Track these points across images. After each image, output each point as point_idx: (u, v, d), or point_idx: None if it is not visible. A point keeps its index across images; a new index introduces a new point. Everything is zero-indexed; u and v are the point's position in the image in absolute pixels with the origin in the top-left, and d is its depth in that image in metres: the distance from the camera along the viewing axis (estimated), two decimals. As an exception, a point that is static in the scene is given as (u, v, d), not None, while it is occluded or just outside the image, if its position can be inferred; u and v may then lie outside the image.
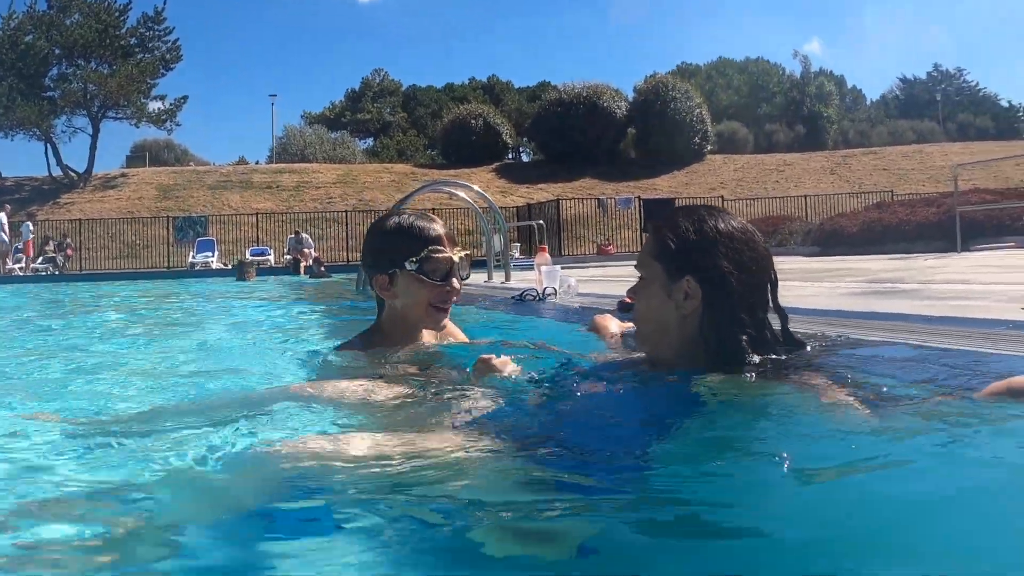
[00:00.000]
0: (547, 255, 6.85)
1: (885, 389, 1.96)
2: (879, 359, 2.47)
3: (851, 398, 1.85)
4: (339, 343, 3.10)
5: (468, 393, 2.30)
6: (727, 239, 2.17)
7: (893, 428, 1.67)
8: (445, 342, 3.04)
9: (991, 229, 17.71)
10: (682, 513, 1.47)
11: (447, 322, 2.97)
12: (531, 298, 5.78)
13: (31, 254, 31.90)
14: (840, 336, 2.81)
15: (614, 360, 2.65)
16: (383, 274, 2.81)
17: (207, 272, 29.06)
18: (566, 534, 1.40)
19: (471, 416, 2.05)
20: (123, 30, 49.47)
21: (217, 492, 1.63)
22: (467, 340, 3.20)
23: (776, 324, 2.26)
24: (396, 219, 2.88)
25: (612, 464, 1.70)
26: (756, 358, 2.13)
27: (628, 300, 3.77)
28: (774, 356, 2.16)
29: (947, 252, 14.68)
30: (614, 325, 3.23)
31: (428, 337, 2.99)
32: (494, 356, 2.43)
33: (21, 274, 29.22)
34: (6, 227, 29.79)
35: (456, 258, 2.84)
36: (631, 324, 3.01)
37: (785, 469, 1.54)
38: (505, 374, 2.40)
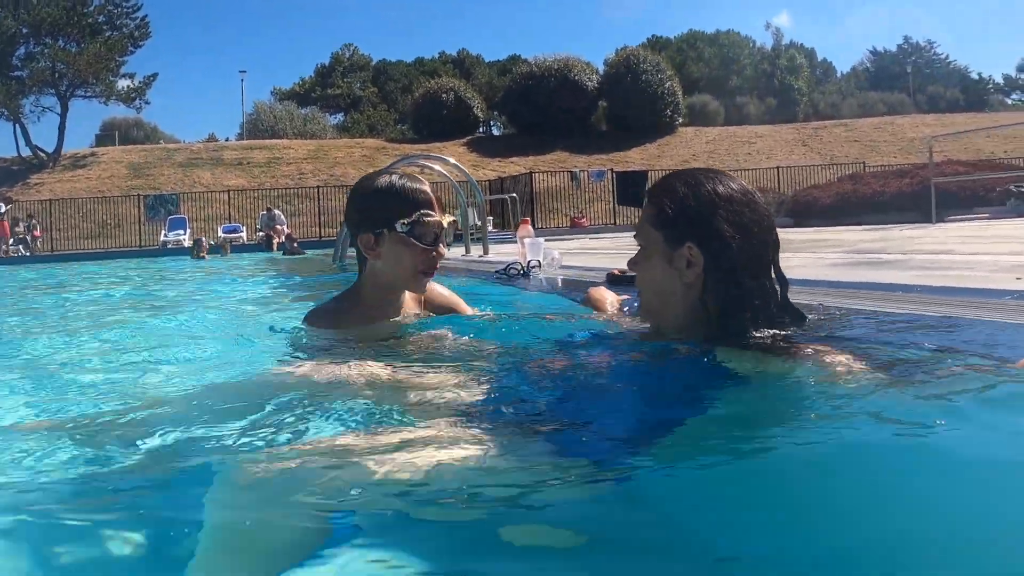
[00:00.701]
0: (530, 228, 6.78)
1: (909, 357, 1.90)
2: (889, 330, 2.43)
3: (874, 373, 1.79)
4: (309, 309, 3.01)
5: (463, 369, 2.23)
6: (727, 202, 2.11)
7: (926, 395, 1.60)
8: (425, 310, 2.98)
9: (964, 200, 17.91)
10: (689, 494, 1.41)
11: (431, 284, 2.92)
12: (516, 272, 5.72)
13: (8, 235, 31.40)
14: (842, 310, 2.77)
15: (618, 330, 2.58)
16: (370, 233, 2.74)
17: (179, 250, 28.70)
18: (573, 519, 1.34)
19: (466, 395, 1.98)
20: (91, 7, 48.93)
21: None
22: (468, 310, 3.15)
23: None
24: (387, 178, 2.80)
25: (615, 444, 1.64)
26: (761, 330, 2.07)
27: (617, 273, 3.69)
28: (779, 328, 2.10)
29: (922, 223, 14.73)
30: (610, 297, 3.17)
31: (410, 302, 2.93)
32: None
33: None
34: None
35: (445, 223, 2.80)
36: (627, 296, 2.95)
37: (799, 446, 1.49)
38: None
